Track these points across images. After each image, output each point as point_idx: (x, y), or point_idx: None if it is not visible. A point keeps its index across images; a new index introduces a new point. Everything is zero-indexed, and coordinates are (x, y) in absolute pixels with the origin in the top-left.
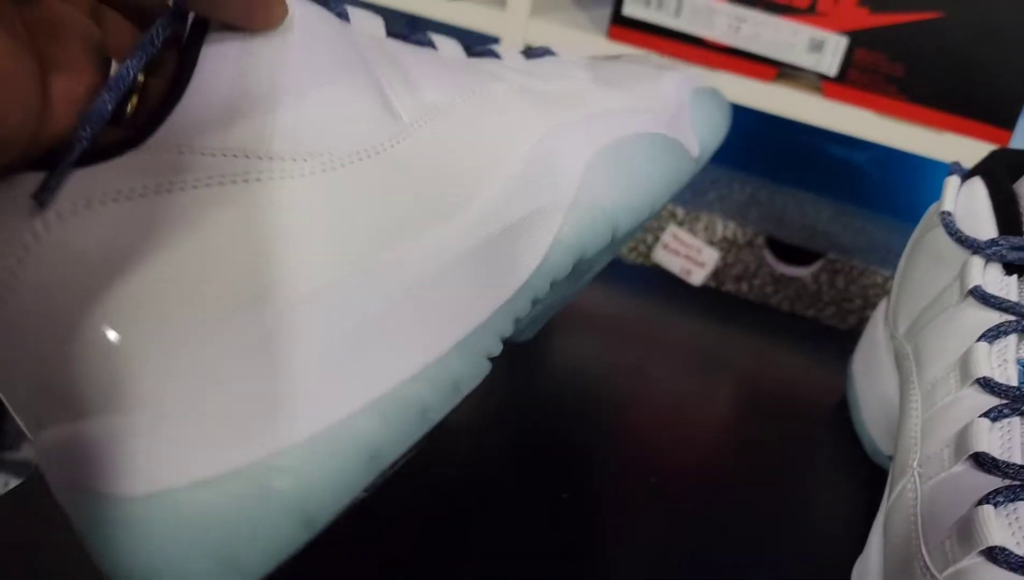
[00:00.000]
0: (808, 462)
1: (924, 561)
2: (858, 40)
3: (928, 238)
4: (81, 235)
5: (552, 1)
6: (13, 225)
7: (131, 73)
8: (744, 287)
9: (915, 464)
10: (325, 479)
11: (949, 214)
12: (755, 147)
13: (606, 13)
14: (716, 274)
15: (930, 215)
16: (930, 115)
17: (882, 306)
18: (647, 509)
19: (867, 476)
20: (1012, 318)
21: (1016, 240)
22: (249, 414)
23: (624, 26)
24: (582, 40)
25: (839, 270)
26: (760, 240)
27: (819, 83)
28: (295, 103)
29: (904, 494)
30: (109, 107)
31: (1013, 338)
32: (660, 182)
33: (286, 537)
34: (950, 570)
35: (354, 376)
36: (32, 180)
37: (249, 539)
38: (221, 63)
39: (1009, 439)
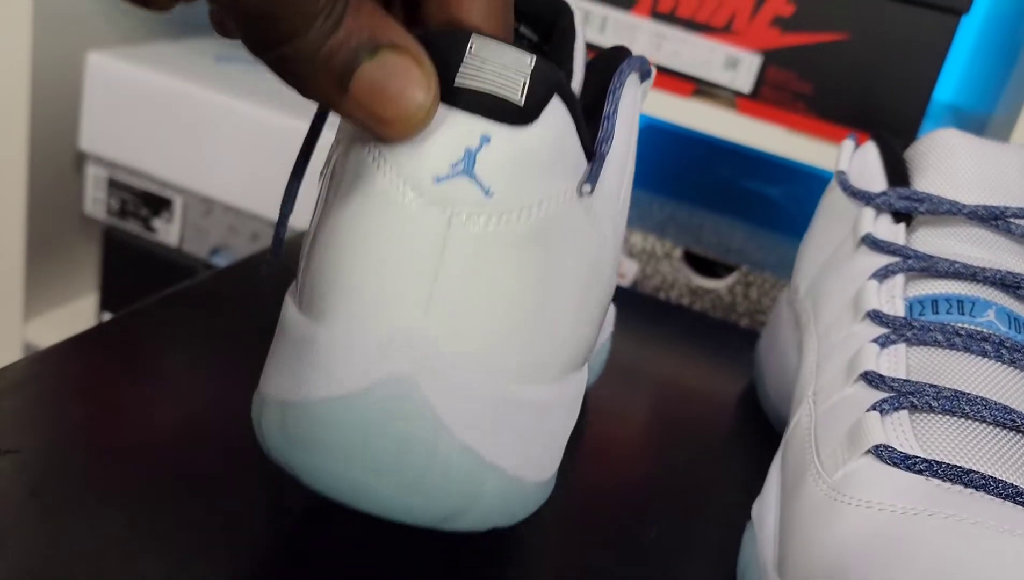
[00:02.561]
0: (718, 437)
1: (817, 468)
2: (771, 59)
3: (826, 202)
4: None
5: None
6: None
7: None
8: (662, 297)
9: (811, 393)
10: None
11: (844, 173)
12: (675, 174)
13: None
14: (635, 285)
15: (830, 187)
16: (835, 131)
17: (785, 291)
18: (572, 474)
19: (771, 443)
20: (899, 259)
21: (903, 190)
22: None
23: None
24: None
25: (752, 283)
26: (677, 253)
27: (734, 99)
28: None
29: (800, 421)
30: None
31: (900, 277)
32: None
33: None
34: (840, 472)
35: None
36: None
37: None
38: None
39: (895, 361)
